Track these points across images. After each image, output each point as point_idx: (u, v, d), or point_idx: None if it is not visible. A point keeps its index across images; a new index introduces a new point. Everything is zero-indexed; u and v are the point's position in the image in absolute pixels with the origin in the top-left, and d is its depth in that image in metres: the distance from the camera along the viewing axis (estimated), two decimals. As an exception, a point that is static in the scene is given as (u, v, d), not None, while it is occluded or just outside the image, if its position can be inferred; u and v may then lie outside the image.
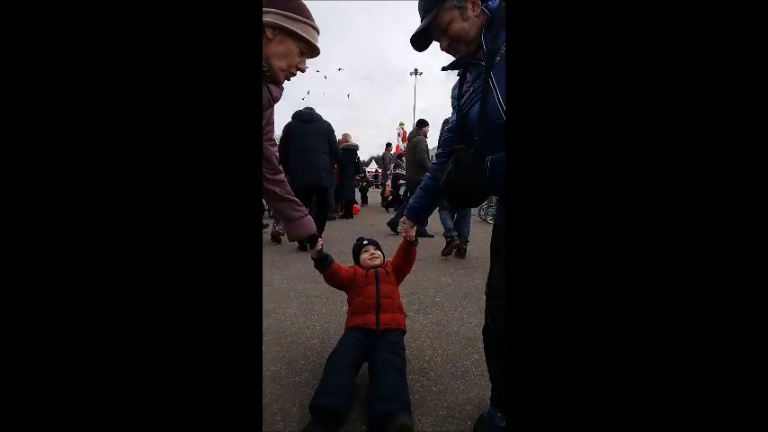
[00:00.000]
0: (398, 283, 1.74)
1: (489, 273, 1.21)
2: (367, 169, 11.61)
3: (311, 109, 4.13)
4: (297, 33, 1.04)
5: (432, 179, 1.36)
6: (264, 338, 2.00)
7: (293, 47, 1.06)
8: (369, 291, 1.62)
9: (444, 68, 1.20)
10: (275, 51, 1.05)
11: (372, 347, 1.48)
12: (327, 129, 4.06)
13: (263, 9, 1.01)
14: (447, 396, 1.51)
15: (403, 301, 1.80)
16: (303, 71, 1.12)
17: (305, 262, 3.31)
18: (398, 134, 10.45)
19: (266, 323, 2.20)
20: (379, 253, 1.75)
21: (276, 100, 1.18)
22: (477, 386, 1.57)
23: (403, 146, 9.80)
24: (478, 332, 2.27)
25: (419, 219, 1.51)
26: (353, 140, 6.20)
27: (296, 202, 1.40)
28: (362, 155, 11.53)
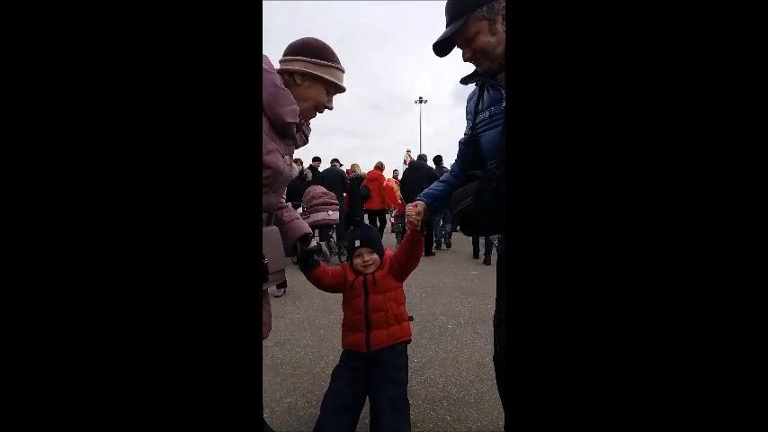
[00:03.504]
0: (402, 280, 1.53)
1: (497, 302, 1.24)
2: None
3: (423, 157, 6.07)
4: (324, 78, 1.11)
5: (454, 176, 1.31)
6: (280, 370, 2.04)
7: (321, 89, 1.13)
8: (356, 305, 1.44)
9: (463, 81, 1.19)
10: (304, 95, 1.12)
11: (368, 372, 1.35)
12: (430, 172, 5.52)
13: (293, 57, 1.10)
14: (461, 424, 1.52)
15: (414, 329, 1.79)
16: (331, 109, 1.19)
17: (317, 293, 3.35)
18: (405, 161, 10.58)
19: (281, 354, 2.24)
20: (375, 257, 1.50)
21: (308, 135, 1.24)
22: (491, 413, 1.58)
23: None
24: (491, 358, 2.27)
25: (434, 208, 1.30)
26: (361, 170, 6.40)
27: (287, 207, 1.40)
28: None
